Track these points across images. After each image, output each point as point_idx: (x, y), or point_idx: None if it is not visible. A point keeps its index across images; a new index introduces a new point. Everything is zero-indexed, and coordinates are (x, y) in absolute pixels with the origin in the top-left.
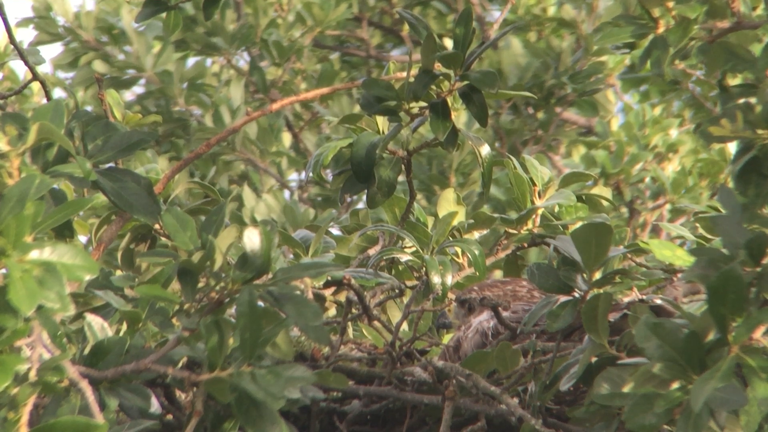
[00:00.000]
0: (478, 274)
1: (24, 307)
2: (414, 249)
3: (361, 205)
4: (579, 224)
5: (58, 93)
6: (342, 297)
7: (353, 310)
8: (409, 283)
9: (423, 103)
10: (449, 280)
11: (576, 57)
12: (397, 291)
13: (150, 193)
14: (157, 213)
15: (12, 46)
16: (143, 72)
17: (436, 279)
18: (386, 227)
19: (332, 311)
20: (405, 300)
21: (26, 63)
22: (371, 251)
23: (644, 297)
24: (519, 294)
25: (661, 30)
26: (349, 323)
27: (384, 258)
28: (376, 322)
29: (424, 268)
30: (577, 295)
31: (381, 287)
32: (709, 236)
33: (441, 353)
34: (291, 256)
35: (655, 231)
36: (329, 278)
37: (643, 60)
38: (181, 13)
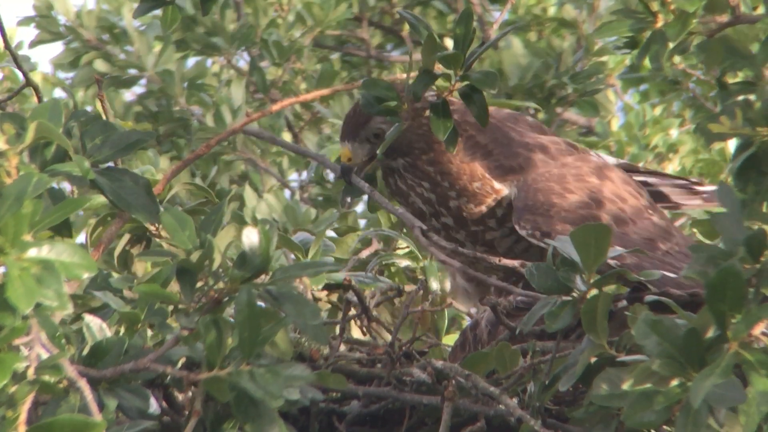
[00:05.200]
0: None
1: (22, 305)
2: (409, 249)
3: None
4: None
5: (58, 93)
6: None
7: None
8: (407, 288)
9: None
10: (448, 285)
11: (577, 57)
12: (396, 291)
13: (148, 193)
14: (155, 212)
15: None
16: (144, 71)
17: (434, 285)
18: (385, 231)
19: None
20: (398, 300)
21: (20, 68)
22: (365, 253)
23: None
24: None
25: (659, 24)
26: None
27: (383, 263)
28: (375, 323)
29: (423, 275)
30: (576, 295)
31: (380, 288)
32: (706, 242)
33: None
34: (292, 256)
35: None
36: (330, 281)
37: (641, 54)
38: (181, 12)
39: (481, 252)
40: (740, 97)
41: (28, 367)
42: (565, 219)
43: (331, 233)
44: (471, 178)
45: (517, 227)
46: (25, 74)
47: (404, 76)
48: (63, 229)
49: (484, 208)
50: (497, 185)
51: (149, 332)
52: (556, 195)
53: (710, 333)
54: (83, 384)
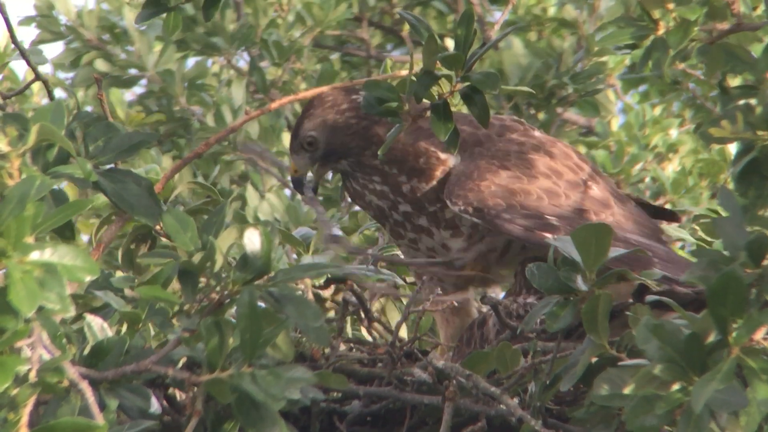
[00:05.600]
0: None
1: (24, 308)
2: None
3: None
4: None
5: (58, 93)
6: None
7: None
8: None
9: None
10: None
11: (577, 57)
12: (394, 287)
13: (151, 194)
14: (158, 214)
15: (14, 46)
16: (145, 71)
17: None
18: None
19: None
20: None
21: (28, 63)
22: (370, 250)
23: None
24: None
25: (661, 31)
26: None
27: (384, 254)
28: (375, 323)
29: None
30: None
31: (378, 288)
32: (708, 239)
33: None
34: (294, 255)
35: None
36: (329, 276)
37: (643, 61)
38: (181, 14)
39: (448, 237)
40: (741, 102)
41: (30, 369)
42: (495, 194)
43: (338, 232)
44: (416, 156)
45: (448, 203)
46: (33, 68)
47: (397, 73)
48: (66, 231)
49: (435, 183)
50: (442, 155)
51: (152, 331)
52: (491, 172)
53: (711, 338)
54: (85, 386)
